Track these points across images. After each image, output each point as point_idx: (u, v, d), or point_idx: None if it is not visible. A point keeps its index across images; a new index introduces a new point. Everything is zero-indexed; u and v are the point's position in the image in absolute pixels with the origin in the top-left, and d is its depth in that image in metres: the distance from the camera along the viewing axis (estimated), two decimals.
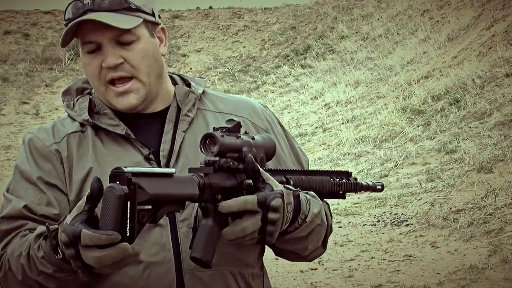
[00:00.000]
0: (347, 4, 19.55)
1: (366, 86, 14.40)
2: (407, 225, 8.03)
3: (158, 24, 1.84)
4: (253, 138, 1.67)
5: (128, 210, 1.45)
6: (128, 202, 1.45)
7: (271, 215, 1.59)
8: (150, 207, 1.49)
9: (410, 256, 7.12)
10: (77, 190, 1.77)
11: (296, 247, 1.78)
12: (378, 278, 6.61)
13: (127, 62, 1.76)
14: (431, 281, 6.33)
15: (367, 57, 15.96)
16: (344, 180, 1.87)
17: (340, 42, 17.73)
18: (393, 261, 7.06)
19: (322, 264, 7.09)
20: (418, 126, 11.03)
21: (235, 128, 1.64)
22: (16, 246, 1.70)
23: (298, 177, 1.77)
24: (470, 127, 9.94)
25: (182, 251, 1.75)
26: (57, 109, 17.07)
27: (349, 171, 1.91)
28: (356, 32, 17.85)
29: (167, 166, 1.79)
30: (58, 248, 1.55)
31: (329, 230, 1.86)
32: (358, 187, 1.89)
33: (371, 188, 1.94)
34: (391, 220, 8.30)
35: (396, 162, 10.12)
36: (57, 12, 22.08)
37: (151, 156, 1.79)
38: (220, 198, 1.60)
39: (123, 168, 1.47)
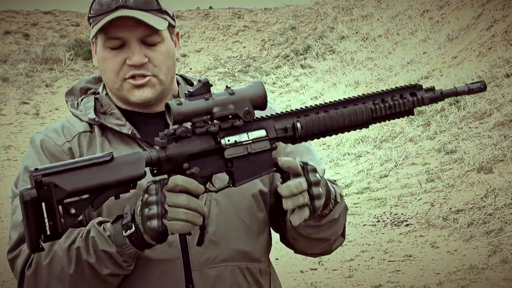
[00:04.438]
0: (347, 4, 19.54)
1: (366, 86, 14.40)
2: (407, 225, 8.03)
3: (174, 27, 1.87)
4: (232, 93, 1.61)
5: (44, 211, 1.47)
6: (43, 203, 1.47)
7: (313, 177, 1.62)
8: (87, 195, 1.51)
9: (410, 256, 7.12)
10: None
11: (329, 232, 1.80)
12: (378, 278, 6.62)
13: (150, 62, 1.79)
14: (431, 281, 6.33)
15: (367, 57, 15.96)
16: (400, 100, 1.72)
17: (340, 42, 17.72)
18: (393, 261, 7.06)
19: (322, 264, 7.09)
20: (418, 126, 11.03)
21: (201, 90, 1.59)
22: (61, 241, 1.68)
23: (314, 116, 1.67)
24: (470, 127, 9.94)
25: (190, 248, 1.76)
26: (57, 109, 17.07)
27: (418, 84, 1.75)
28: (356, 32, 17.85)
29: (144, 174, 1.79)
30: (128, 224, 1.60)
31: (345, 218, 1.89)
32: (425, 101, 1.73)
33: (467, 92, 1.76)
34: (391, 220, 8.30)
35: (396, 162, 10.12)
36: (57, 12, 22.08)
37: None
38: (187, 166, 1.58)
39: (35, 169, 1.49)
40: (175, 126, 1.59)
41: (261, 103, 1.63)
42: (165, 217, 1.54)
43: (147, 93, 1.80)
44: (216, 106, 1.59)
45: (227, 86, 1.63)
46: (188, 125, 1.60)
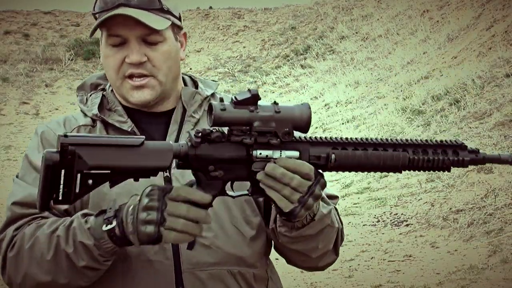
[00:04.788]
0: (347, 4, 19.55)
1: (366, 86, 14.40)
2: (407, 225, 8.03)
3: (181, 28, 1.87)
4: (278, 111, 1.58)
5: (62, 177, 1.49)
6: (63, 170, 1.49)
7: (317, 191, 1.59)
8: (108, 171, 1.52)
9: (410, 256, 7.12)
10: None
11: (306, 247, 1.76)
12: (378, 278, 6.62)
13: (150, 61, 1.79)
14: (431, 281, 6.33)
15: (367, 57, 15.96)
16: (441, 156, 1.67)
17: (340, 42, 17.73)
18: (393, 261, 7.06)
19: None
20: (418, 126, 11.03)
21: (248, 100, 1.57)
22: (45, 227, 1.70)
23: (350, 152, 1.63)
24: (470, 127, 9.95)
25: (181, 250, 1.77)
26: (57, 109, 17.07)
27: (463, 144, 1.70)
28: (356, 33, 17.85)
29: (169, 166, 1.80)
30: (109, 219, 1.60)
31: (340, 236, 1.84)
32: (465, 163, 1.68)
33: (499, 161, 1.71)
34: (391, 220, 8.30)
35: None
36: (57, 12, 22.09)
37: None
38: (212, 168, 1.58)
39: (65, 135, 1.50)
40: (212, 128, 1.59)
41: (304, 126, 1.59)
42: (163, 225, 1.54)
43: (146, 95, 1.81)
44: (258, 121, 1.57)
45: (275, 102, 1.60)
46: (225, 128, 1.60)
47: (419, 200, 8.61)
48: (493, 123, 9.67)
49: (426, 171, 1.69)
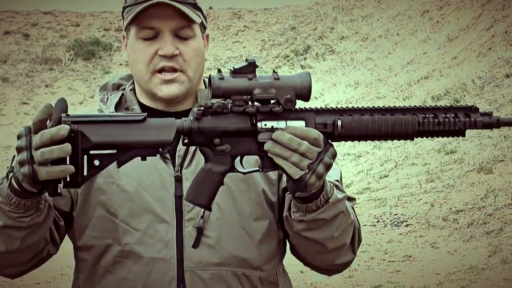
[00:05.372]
0: (347, 4, 19.55)
1: (366, 86, 14.40)
2: (407, 225, 8.03)
3: (205, 28, 1.87)
4: (277, 78, 1.57)
5: (68, 157, 1.48)
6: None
7: (327, 159, 1.56)
8: (114, 151, 1.52)
9: (410, 256, 7.12)
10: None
11: (321, 235, 1.71)
12: (378, 278, 6.62)
13: (181, 56, 1.78)
14: (431, 282, 6.33)
15: (367, 58, 15.96)
16: (452, 118, 1.63)
17: (340, 42, 17.73)
18: (393, 261, 7.06)
19: None
20: None
21: (245, 69, 1.57)
22: None
23: (357, 117, 1.60)
24: None
25: (185, 249, 1.76)
26: None
27: (474, 106, 1.66)
28: (356, 33, 17.85)
29: (180, 166, 1.79)
30: (8, 174, 1.58)
31: (357, 235, 1.80)
32: (478, 125, 1.64)
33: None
34: (391, 221, 8.30)
35: (396, 162, 10.12)
36: (57, 12, 22.08)
37: (167, 155, 1.80)
38: (218, 142, 1.58)
39: (67, 114, 1.50)
40: (214, 100, 1.58)
41: (305, 94, 1.58)
42: (35, 162, 1.50)
43: (175, 89, 1.79)
44: (258, 88, 1.56)
45: (274, 71, 1.60)
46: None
47: (419, 200, 8.61)
48: None
49: (439, 137, 1.66)
